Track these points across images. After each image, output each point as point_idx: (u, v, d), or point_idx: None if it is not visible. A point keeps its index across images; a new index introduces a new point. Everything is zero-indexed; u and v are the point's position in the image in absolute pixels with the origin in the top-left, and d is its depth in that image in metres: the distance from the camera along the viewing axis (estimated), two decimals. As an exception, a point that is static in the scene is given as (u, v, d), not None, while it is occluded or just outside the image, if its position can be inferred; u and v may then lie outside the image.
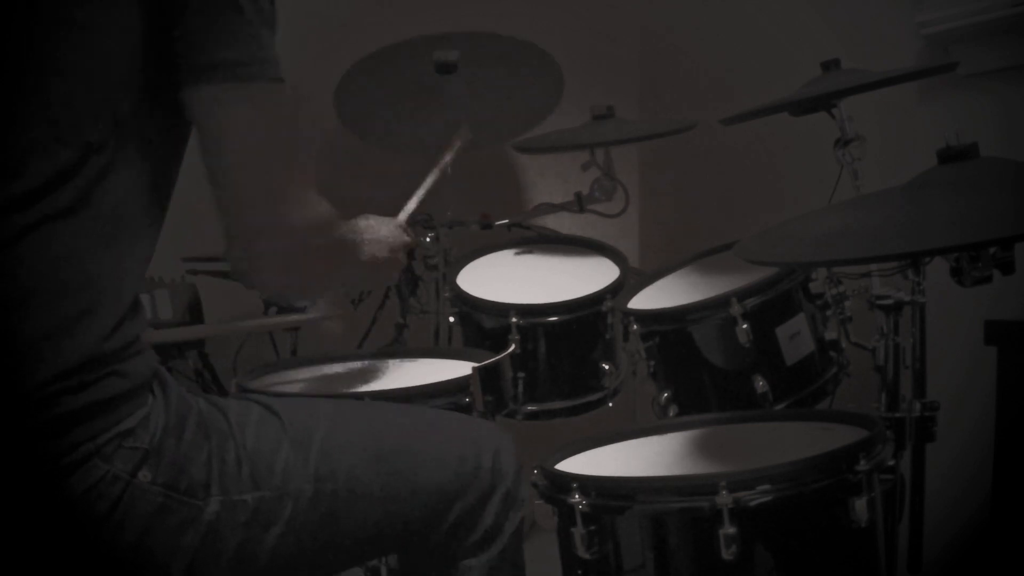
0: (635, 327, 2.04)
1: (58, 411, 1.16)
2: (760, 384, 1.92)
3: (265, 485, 1.28)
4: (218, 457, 1.26)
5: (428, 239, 2.42)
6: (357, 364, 2.01)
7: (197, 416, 1.28)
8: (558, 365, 2.19)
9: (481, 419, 1.62)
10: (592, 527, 1.55)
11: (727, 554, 1.45)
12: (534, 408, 2.17)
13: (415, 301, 2.47)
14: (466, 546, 1.44)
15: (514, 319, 2.12)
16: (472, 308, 2.22)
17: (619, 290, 2.19)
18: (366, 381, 1.88)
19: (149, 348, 1.28)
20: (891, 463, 1.62)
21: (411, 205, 1.95)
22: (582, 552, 1.55)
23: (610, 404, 2.22)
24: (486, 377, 1.77)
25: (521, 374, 2.13)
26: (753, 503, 1.46)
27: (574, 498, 1.55)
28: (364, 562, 1.59)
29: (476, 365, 1.78)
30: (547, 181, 2.95)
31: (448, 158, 2.12)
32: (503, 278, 2.33)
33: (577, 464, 1.73)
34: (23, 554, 1.17)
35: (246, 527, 1.26)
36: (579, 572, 1.58)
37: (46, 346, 1.16)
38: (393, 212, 2.48)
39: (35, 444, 1.16)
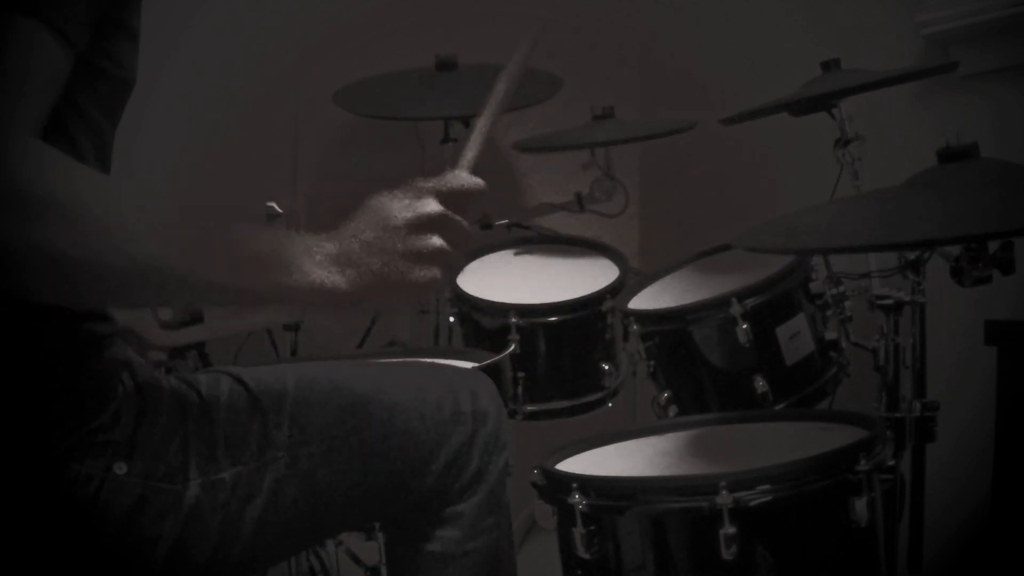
0: (635, 327, 2.04)
1: (25, 412, 1.13)
2: (760, 384, 1.92)
3: (241, 459, 1.25)
4: (194, 437, 1.23)
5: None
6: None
7: (170, 397, 1.25)
8: (558, 365, 2.19)
9: (455, 365, 1.56)
10: (592, 527, 1.55)
11: (727, 554, 1.45)
12: (534, 408, 2.17)
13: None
14: (453, 492, 1.40)
15: (514, 319, 2.13)
16: (472, 308, 2.22)
17: (619, 290, 2.19)
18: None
19: (119, 341, 1.23)
20: (891, 463, 1.62)
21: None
22: (582, 552, 1.55)
23: (610, 404, 2.22)
24: (486, 377, 1.77)
25: (521, 374, 2.14)
26: (753, 503, 1.46)
27: (574, 498, 1.55)
28: (354, 525, 1.55)
29: (476, 365, 1.78)
30: (547, 181, 2.95)
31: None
32: (503, 278, 2.33)
33: (577, 464, 1.73)
34: (3, 555, 1.16)
35: (227, 504, 1.24)
36: (579, 572, 1.58)
37: (8, 344, 1.11)
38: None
39: (3, 447, 1.12)
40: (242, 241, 1.11)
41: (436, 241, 1.17)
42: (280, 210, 2.44)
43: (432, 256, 1.16)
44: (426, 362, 1.50)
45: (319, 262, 1.12)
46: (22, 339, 1.12)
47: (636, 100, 3.09)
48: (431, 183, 1.21)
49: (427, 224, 1.17)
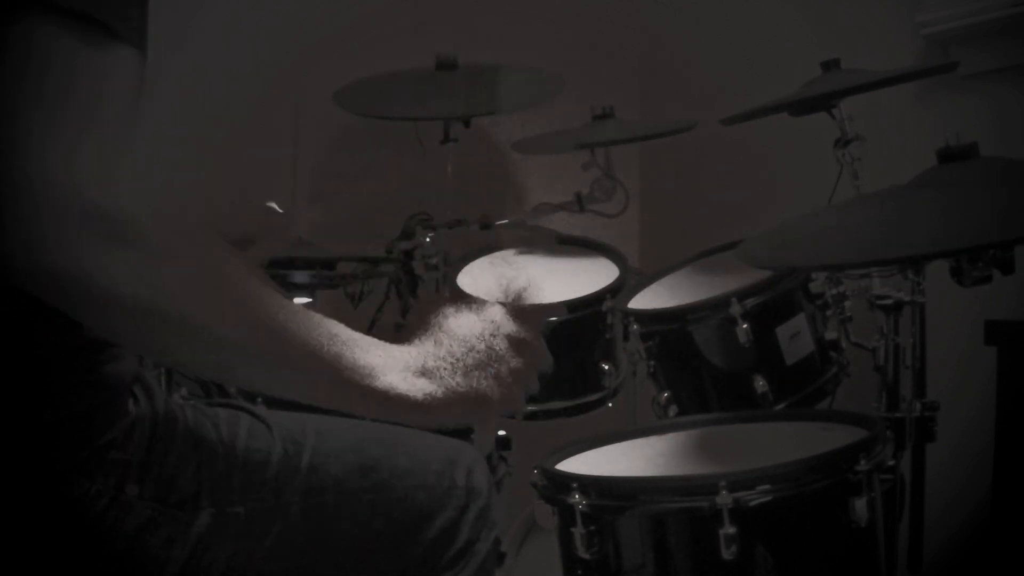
0: (635, 327, 2.04)
1: (31, 425, 1.11)
2: (760, 384, 1.92)
3: (256, 496, 1.25)
4: (208, 467, 1.23)
5: (428, 239, 2.42)
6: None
7: (184, 425, 1.24)
8: (558, 365, 2.17)
9: (453, 438, 1.60)
10: (592, 527, 1.55)
11: (727, 554, 1.45)
12: (534, 408, 2.17)
13: (415, 301, 2.47)
14: (440, 564, 1.41)
15: (514, 319, 2.12)
16: (472, 308, 2.21)
17: (619, 290, 2.19)
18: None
19: (128, 354, 1.20)
20: (891, 463, 1.62)
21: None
22: (582, 552, 1.55)
23: (610, 404, 2.22)
24: (486, 377, 1.76)
25: (521, 374, 2.13)
26: (753, 503, 1.46)
27: (574, 498, 1.55)
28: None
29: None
30: (547, 181, 2.95)
31: None
32: (503, 278, 2.32)
33: (577, 464, 1.73)
34: (6, 568, 1.15)
35: (237, 539, 1.23)
36: (579, 572, 1.58)
37: (10, 352, 1.08)
38: (397, 212, 2.52)
39: (9, 462, 1.10)
40: (325, 334, 1.07)
41: (517, 362, 1.18)
42: (280, 210, 2.44)
43: (514, 377, 1.17)
44: (429, 434, 1.53)
45: (401, 370, 1.11)
46: (18, 344, 1.10)
47: (636, 100, 3.10)
48: (508, 304, 1.21)
49: (512, 345, 1.18)
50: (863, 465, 1.49)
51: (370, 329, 2.55)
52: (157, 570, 1.19)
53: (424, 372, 1.12)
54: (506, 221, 2.55)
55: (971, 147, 1.60)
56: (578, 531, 1.55)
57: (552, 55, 2.71)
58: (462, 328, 1.17)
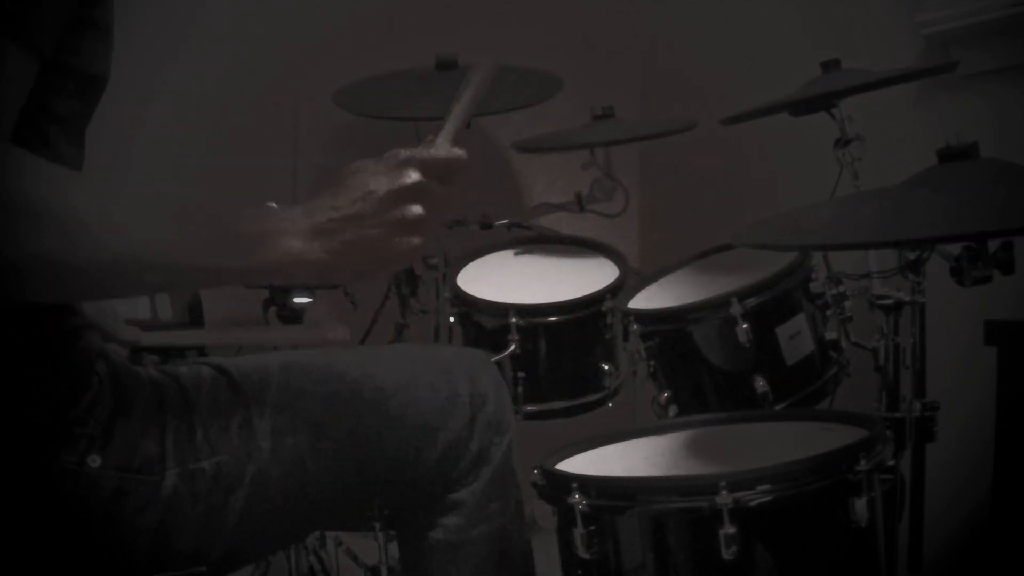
0: (635, 327, 2.04)
1: (8, 411, 1.11)
2: (760, 384, 1.92)
3: (222, 449, 1.23)
4: (172, 427, 1.21)
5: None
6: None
7: (148, 387, 1.23)
8: (558, 365, 2.19)
9: (454, 346, 1.52)
10: (592, 527, 1.55)
11: (727, 554, 1.45)
12: (534, 408, 2.17)
13: (415, 301, 2.47)
14: (453, 478, 1.37)
15: (514, 319, 2.12)
16: (472, 308, 2.22)
17: (619, 290, 2.19)
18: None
19: (90, 330, 1.20)
20: (891, 463, 1.62)
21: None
22: (582, 552, 1.55)
23: (610, 404, 2.22)
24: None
25: (521, 374, 2.13)
26: (753, 503, 1.46)
27: (574, 498, 1.55)
28: (352, 519, 1.49)
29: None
30: (547, 181, 2.95)
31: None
32: (503, 278, 2.33)
33: (577, 464, 1.73)
34: None
35: (208, 495, 1.21)
36: (579, 572, 1.58)
37: None
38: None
39: None
40: (218, 221, 1.11)
41: (416, 210, 1.15)
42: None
43: (413, 225, 1.15)
44: (420, 346, 1.47)
45: (295, 233, 1.12)
46: None
47: (636, 100, 3.10)
48: (412, 152, 1.19)
49: (407, 194, 1.15)
50: (863, 465, 1.49)
51: (370, 329, 2.55)
52: (132, 539, 1.18)
53: (319, 229, 1.13)
54: (506, 221, 2.55)
55: (971, 147, 1.60)
56: (578, 531, 1.55)
57: (552, 55, 2.71)
58: (359, 179, 1.16)
